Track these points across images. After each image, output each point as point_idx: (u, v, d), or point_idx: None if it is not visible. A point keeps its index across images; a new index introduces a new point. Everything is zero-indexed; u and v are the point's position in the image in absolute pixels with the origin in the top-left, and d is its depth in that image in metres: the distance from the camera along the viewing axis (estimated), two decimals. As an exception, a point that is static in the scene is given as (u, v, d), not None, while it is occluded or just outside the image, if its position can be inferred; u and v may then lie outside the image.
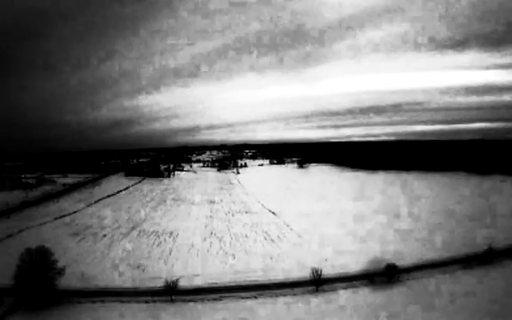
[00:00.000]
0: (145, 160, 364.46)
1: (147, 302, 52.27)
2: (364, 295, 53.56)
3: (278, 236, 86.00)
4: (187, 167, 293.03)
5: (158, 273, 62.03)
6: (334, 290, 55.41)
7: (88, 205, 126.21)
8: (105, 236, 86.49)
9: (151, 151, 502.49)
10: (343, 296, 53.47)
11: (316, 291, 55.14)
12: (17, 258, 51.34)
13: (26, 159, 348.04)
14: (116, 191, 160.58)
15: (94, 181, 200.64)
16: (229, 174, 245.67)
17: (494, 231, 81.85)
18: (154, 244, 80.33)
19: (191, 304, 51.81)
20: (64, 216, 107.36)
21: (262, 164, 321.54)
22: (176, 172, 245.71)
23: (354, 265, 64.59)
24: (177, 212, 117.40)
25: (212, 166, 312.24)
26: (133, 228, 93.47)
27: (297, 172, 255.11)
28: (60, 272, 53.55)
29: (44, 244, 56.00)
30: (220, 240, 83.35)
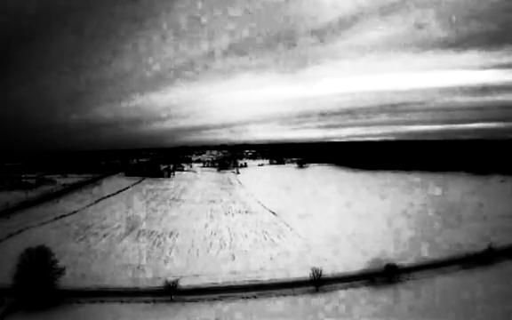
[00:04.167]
0: (145, 160, 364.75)
1: (147, 302, 52.32)
2: (364, 295, 53.54)
3: (278, 236, 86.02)
4: (187, 167, 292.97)
5: (158, 273, 62.09)
6: (334, 290, 55.43)
7: (88, 205, 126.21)
8: (105, 236, 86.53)
9: (151, 151, 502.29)
10: (343, 296, 53.47)
11: (316, 291, 55.15)
12: (17, 258, 51.40)
13: (26, 159, 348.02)
14: (116, 191, 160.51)
15: (94, 181, 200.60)
16: (229, 174, 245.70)
17: (494, 231, 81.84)
18: (154, 244, 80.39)
19: (191, 304, 51.83)
20: (64, 216, 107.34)
21: (262, 164, 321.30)
22: (176, 172, 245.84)
23: (354, 265, 64.61)
24: (177, 211, 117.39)
25: (212, 166, 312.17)
26: (133, 228, 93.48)
27: (297, 172, 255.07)
28: (60, 272, 53.60)
29: (43, 244, 56.04)
30: (220, 240, 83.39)
